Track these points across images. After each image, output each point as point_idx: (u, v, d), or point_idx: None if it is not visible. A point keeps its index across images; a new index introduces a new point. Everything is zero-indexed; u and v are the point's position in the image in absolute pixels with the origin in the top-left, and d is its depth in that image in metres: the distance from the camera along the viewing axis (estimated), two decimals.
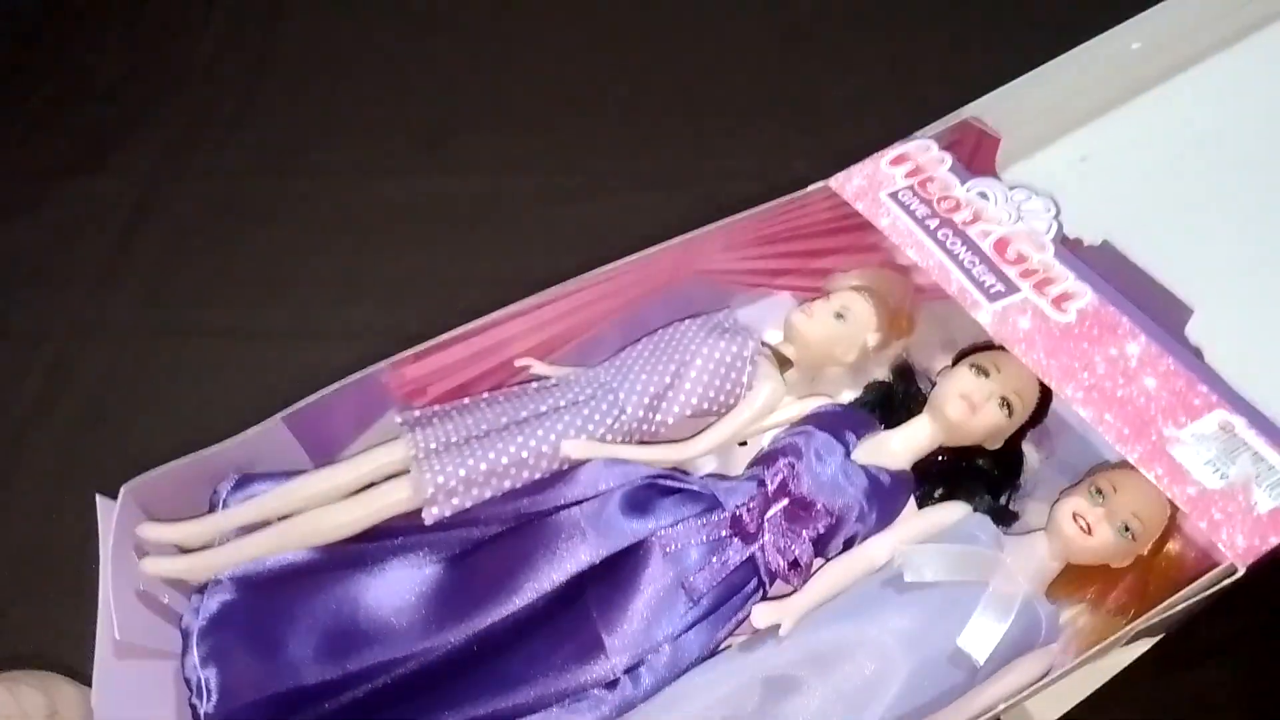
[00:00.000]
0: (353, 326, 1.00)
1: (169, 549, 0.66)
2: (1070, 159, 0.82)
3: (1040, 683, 0.58)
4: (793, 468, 0.64)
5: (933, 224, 0.70)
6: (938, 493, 0.67)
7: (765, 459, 0.66)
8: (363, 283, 1.04)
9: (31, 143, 1.21)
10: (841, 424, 0.67)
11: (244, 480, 0.68)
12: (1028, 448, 0.70)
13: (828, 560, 0.64)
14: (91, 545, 0.63)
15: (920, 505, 0.67)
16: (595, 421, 0.68)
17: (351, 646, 0.62)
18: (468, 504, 0.65)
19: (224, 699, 0.61)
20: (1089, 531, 0.61)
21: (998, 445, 0.67)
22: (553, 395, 0.70)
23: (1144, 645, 0.63)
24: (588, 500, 0.64)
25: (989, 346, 0.69)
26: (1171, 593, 0.56)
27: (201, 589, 0.65)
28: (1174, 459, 0.59)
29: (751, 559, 0.63)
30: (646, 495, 0.64)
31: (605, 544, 0.62)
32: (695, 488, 0.65)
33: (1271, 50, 0.87)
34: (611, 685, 0.60)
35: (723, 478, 0.68)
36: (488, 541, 0.65)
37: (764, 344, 0.73)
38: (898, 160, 0.76)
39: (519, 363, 0.74)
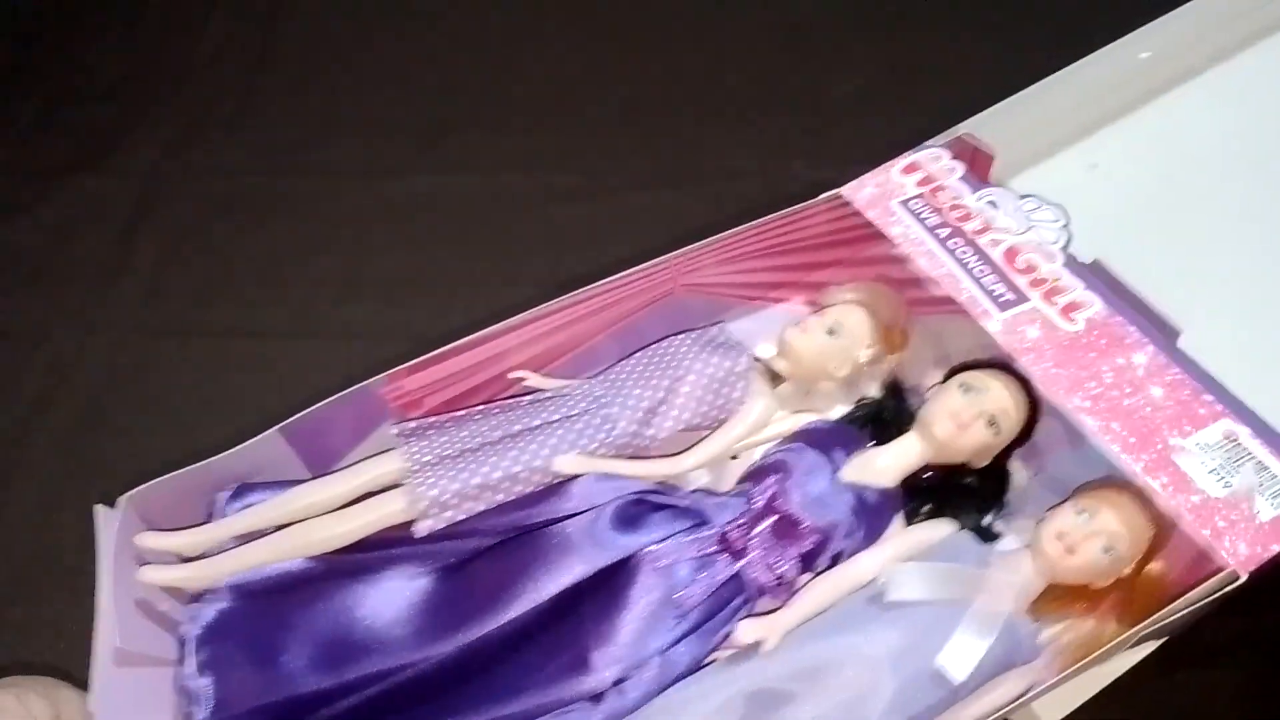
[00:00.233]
0: (352, 325, 1.01)
1: (168, 558, 0.67)
2: (1080, 166, 0.83)
3: (1021, 700, 0.59)
4: (781, 485, 0.65)
5: (943, 233, 0.72)
6: (925, 509, 0.68)
7: (754, 475, 0.67)
8: (362, 282, 1.05)
9: (31, 142, 1.21)
10: (831, 441, 0.68)
11: (241, 490, 0.69)
12: (1016, 465, 0.71)
13: (815, 576, 0.65)
14: (90, 548, 0.64)
15: (908, 522, 0.67)
16: (588, 436, 0.68)
17: (347, 656, 0.63)
18: (460, 517, 0.66)
19: (220, 707, 0.62)
20: (1072, 551, 0.62)
21: (985, 463, 0.68)
22: (546, 409, 0.71)
23: (1148, 648, 0.64)
24: (580, 514, 0.65)
25: (978, 364, 0.69)
26: (1154, 611, 0.58)
27: (199, 597, 0.67)
28: (1179, 467, 0.60)
29: (739, 575, 0.64)
30: (637, 510, 0.65)
31: (596, 558, 0.63)
32: (685, 504, 0.66)
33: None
34: (598, 698, 0.61)
35: (712, 493, 0.69)
36: (482, 554, 0.66)
37: (757, 359, 0.74)
38: (909, 169, 0.77)
39: (514, 375, 0.75)
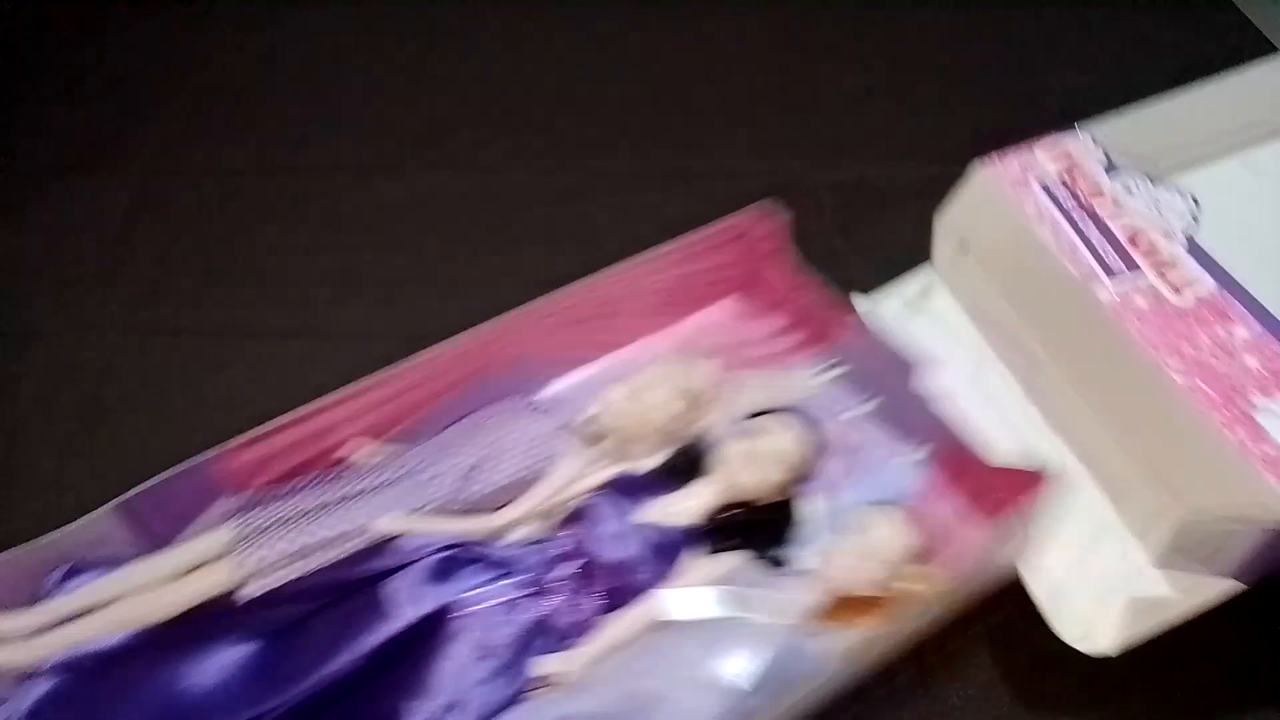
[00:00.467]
0: (350, 324, 1.02)
1: None
2: (1243, 173, 0.86)
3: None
4: (584, 530, 0.71)
5: (1074, 211, 0.76)
6: (723, 544, 0.73)
7: (561, 524, 0.73)
8: (360, 281, 1.06)
9: (29, 142, 1.21)
10: (635, 488, 0.74)
11: (73, 570, 0.72)
12: (804, 498, 0.77)
13: (619, 610, 0.70)
14: None
15: (709, 555, 0.73)
16: (410, 498, 0.73)
17: None
18: (281, 582, 0.69)
19: None
20: (848, 570, 0.68)
21: (777, 498, 0.75)
22: (370, 475, 0.75)
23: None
24: (399, 571, 0.69)
25: (768, 411, 0.77)
26: (921, 612, 0.66)
27: (28, 677, 0.68)
28: (1257, 422, 0.64)
29: (545, 616, 0.69)
30: (450, 564, 0.70)
31: (411, 612, 0.67)
32: (496, 554, 0.71)
33: None
34: None
35: (525, 544, 0.73)
36: (307, 615, 0.70)
37: (576, 420, 0.80)
38: (1053, 151, 0.81)
39: (346, 448, 0.79)
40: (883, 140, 1.18)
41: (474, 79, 1.29)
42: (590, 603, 0.69)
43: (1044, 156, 0.80)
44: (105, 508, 0.72)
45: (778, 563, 0.72)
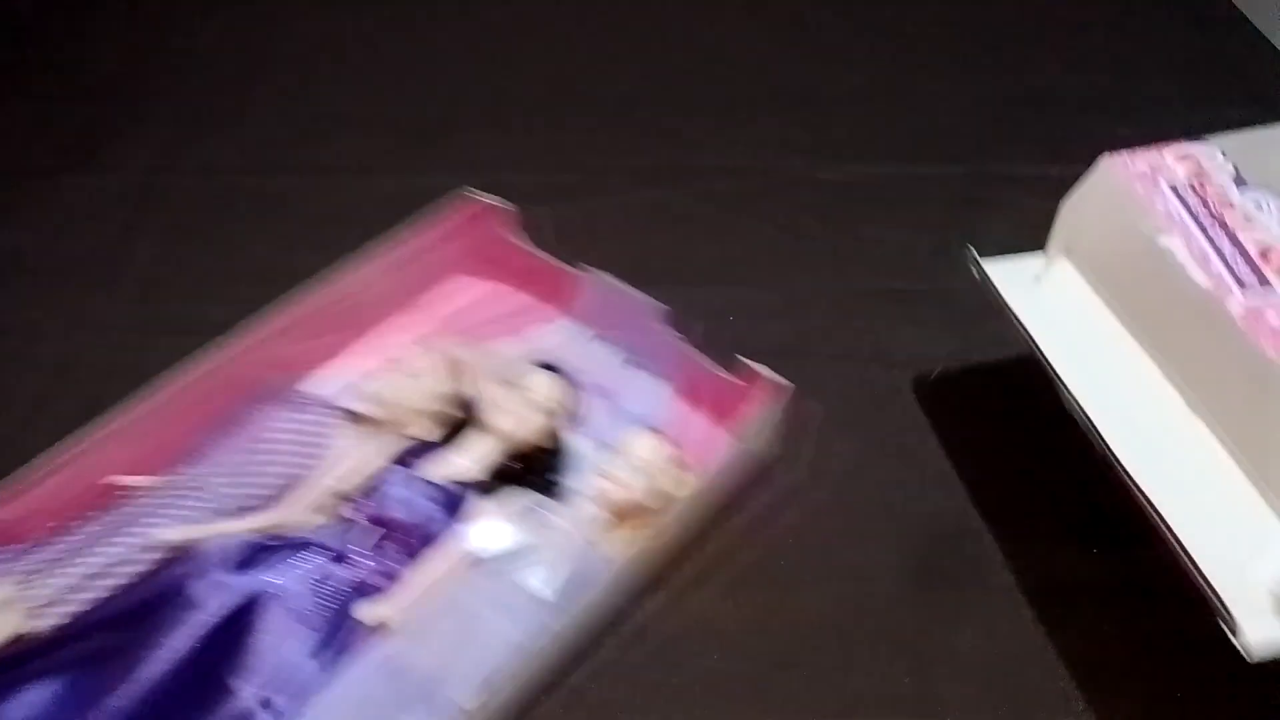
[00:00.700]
0: None
1: None
2: None
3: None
4: (377, 501, 0.77)
5: (1204, 219, 0.74)
6: (504, 487, 0.81)
7: (354, 497, 0.78)
8: None
9: (28, 140, 1.16)
10: (417, 455, 0.81)
11: None
12: (573, 436, 0.87)
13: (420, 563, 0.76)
14: None
15: (493, 500, 0.80)
16: (193, 509, 0.76)
17: None
18: (77, 609, 0.70)
19: None
20: (619, 485, 0.79)
21: (549, 443, 0.84)
22: (149, 498, 0.77)
23: None
24: (198, 572, 0.72)
25: (525, 368, 0.86)
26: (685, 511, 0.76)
27: None
28: None
29: (353, 581, 0.74)
30: (252, 553, 0.73)
31: (221, 602, 0.70)
32: (295, 539, 0.75)
33: None
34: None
35: (322, 525, 0.78)
36: (115, 632, 0.70)
37: (345, 409, 0.85)
38: (1182, 157, 0.79)
39: (115, 481, 0.79)
40: (883, 140, 1.21)
41: (474, 79, 1.28)
42: (395, 562, 0.75)
43: (1172, 159, 0.78)
44: None
45: (558, 492, 0.81)
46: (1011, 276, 0.82)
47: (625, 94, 1.28)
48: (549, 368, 0.87)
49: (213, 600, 0.70)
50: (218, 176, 1.15)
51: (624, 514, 0.79)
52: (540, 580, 0.73)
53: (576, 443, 0.85)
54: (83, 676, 0.69)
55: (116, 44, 1.33)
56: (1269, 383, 0.67)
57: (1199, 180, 0.77)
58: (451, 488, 0.79)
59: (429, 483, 0.79)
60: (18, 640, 0.69)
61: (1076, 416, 0.73)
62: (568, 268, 0.95)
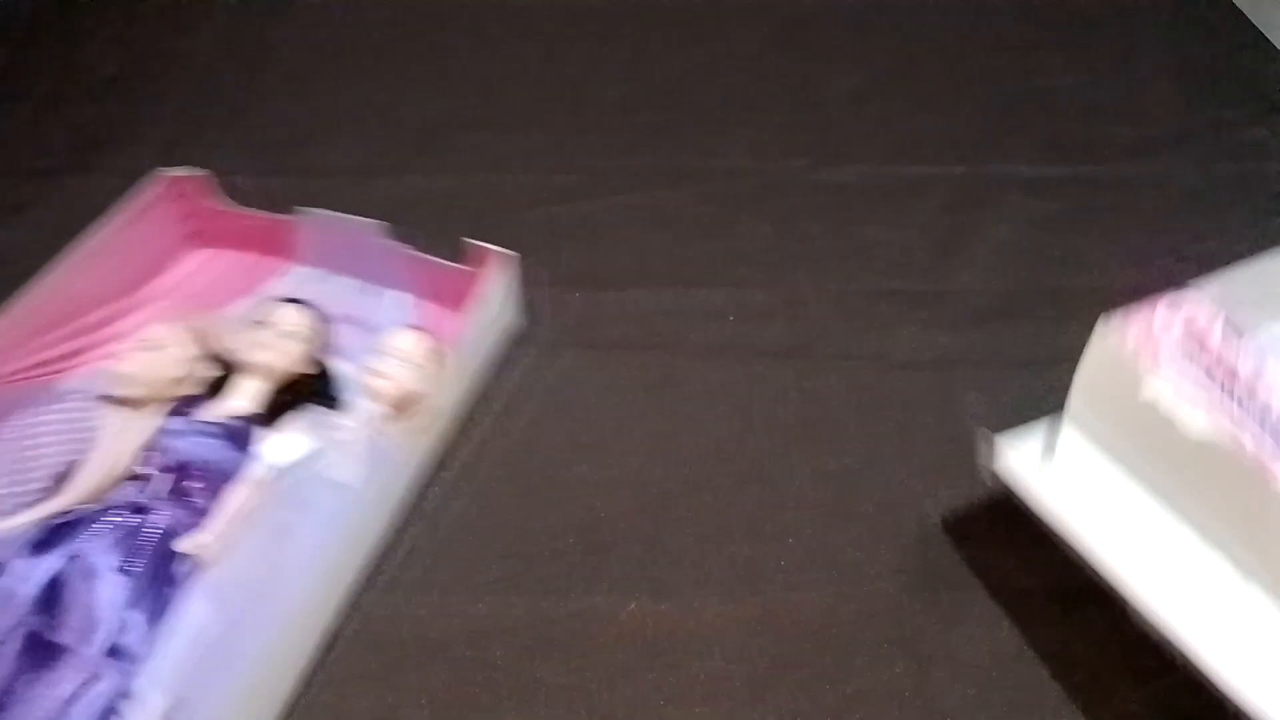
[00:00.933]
0: None
1: None
2: None
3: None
4: (162, 452, 0.81)
5: (1217, 376, 0.71)
6: (284, 412, 0.86)
7: (143, 457, 0.81)
8: None
9: (29, 141, 1.17)
10: (189, 406, 0.85)
11: None
12: (336, 358, 0.92)
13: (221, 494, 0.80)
14: None
15: (277, 427, 0.85)
16: None
17: None
18: None
19: None
20: (390, 380, 0.86)
21: (312, 368, 0.89)
22: None
23: None
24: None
25: (269, 306, 0.91)
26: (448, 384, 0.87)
27: None
28: None
29: (162, 525, 0.76)
30: (48, 534, 0.75)
31: (35, 581, 0.71)
32: (90, 508, 0.77)
33: None
34: (97, 678, 0.69)
35: (117, 491, 0.79)
36: None
37: (104, 396, 0.86)
38: (1174, 309, 0.76)
39: None
40: (883, 140, 1.21)
41: (474, 79, 1.29)
42: (201, 499, 0.78)
43: (1169, 317, 0.75)
44: None
45: (336, 402, 0.88)
46: (1023, 462, 0.79)
47: (625, 95, 1.28)
48: (294, 301, 0.93)
49: (27, 583, 0.71)
50: (218, 177, 1.13)
51: (400, 405, 0.86)
52: (340, 474, 0.80)
53: (338, 366, 0.92)
54: None
55: (116, 44, 1.33)
56: None
57: (1197, 336, 0.74)
58: (232, 423, 0.83)
59: (209, 423, 0.82)
60: None
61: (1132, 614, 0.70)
62: (281, 217, 0.99)
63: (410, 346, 0.89)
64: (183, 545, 0.76)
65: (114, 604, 0.72)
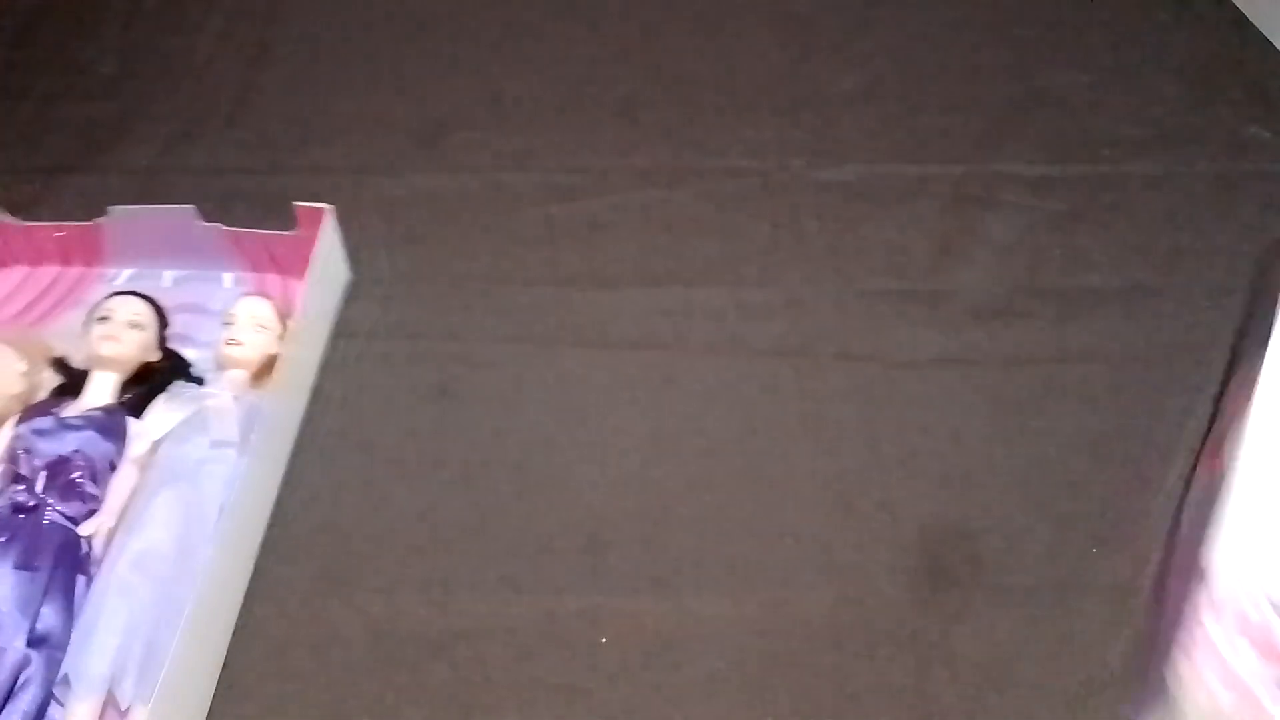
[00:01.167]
0: (350, 324, 1.00)
1: None
2: None
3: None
4: (26, 450, 0.82)
5: None
6: (147, 397, 0.89)
7: (10, 460, 0.82)
8: (359, 280, 1.04)
9: (29, 140, 1.16)
10: (45, 407, 0.86)
11: None
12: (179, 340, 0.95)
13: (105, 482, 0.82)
14: None
15: (141, 410, 0.88)
16: None
17: None
18: None
19: None
20: (245, 345, 0.91)
21: (157, 354, 0.92)
22: None
23: None
24: None
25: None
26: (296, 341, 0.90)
27: None
28: None
29: (52, 520, 0.78)
30: None
31: None
32: None
33: None
34: (26, 663, 0.71)
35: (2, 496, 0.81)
36: None
37: None
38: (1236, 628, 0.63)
39: None
40: (883, 140, 1.21)
41: (474, 79, 1.28)
42: (81, 489, 0.80)
43: (1232, 639, 0.63)
44: None
45: (195, 378, 0.93)
46: None
47: (626, 94, 1.28)
48: (130, 293, 0.94)
49: None
50: (217, 177, 1.15)
51: (257, 369, 0.91)
52: (217, 434, 0.84)
53: (187, 354, 0.95)
54: None
55: (116, 44, 1.33)
56: None
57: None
58: (96, 414, 0.84)
59: (77, 417, 0.84)
60: None
61: None
62: (82, 223, 0.99)
63: (258, 311, 0.93)
64: (84, 529, 0.79)
65: (24, 600, 0.73)
